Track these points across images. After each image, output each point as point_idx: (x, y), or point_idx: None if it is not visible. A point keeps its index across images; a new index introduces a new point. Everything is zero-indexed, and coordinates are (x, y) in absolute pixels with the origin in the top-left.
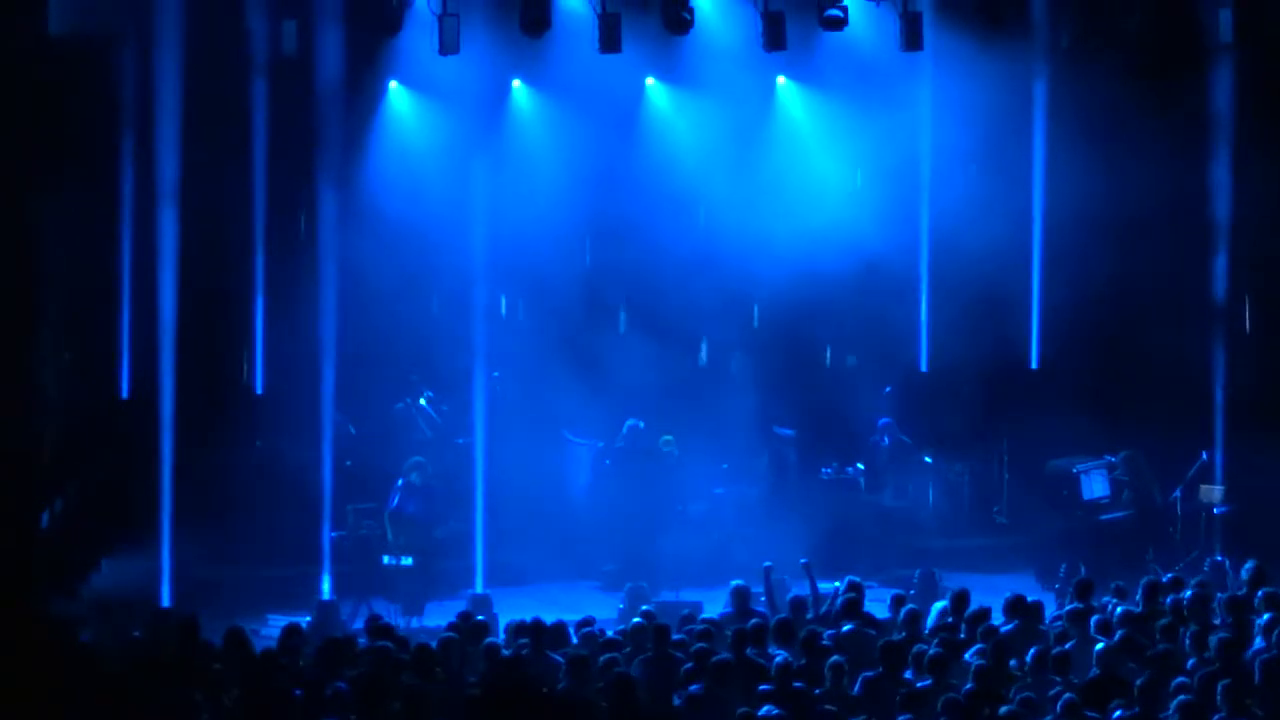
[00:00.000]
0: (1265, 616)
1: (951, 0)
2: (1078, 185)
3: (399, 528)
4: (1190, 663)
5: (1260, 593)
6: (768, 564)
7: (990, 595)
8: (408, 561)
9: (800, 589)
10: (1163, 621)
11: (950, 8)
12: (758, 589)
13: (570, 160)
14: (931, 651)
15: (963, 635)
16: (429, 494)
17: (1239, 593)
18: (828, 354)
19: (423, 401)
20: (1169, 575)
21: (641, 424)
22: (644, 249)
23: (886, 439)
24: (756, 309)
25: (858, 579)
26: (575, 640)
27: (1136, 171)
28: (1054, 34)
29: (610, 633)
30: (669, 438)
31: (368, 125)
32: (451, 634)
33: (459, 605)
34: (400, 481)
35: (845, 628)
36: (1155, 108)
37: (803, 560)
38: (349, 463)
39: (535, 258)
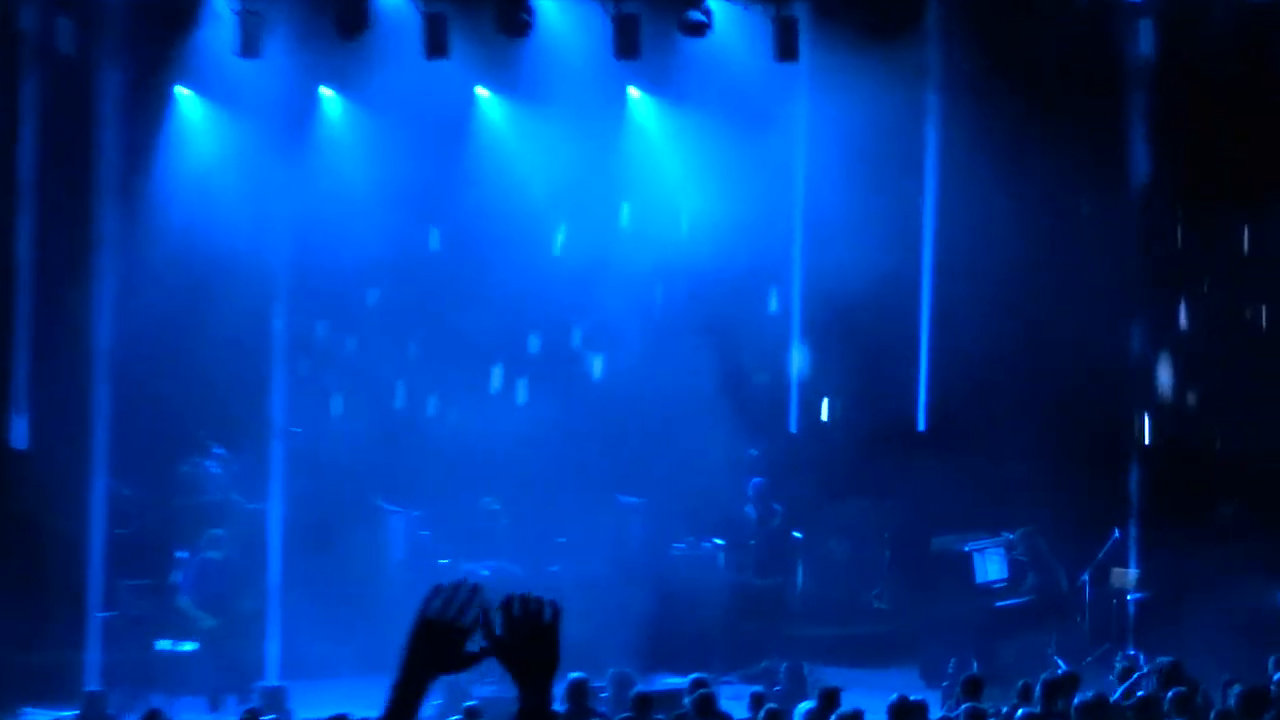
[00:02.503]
0: None
1: (833, 6)
2: (974, 224)
3: (206, 609)
4: None
5: (1170, 693)
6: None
7: (867, 694)
8: (188, 647)
9: (645, 685)
10: None
11: (831, 15)
12: (598, 683)
13: (388, 179)
14: None
15: None
16: (230, 569)
17: (1151, 693)
18: (680, 409)
19: (210, 461)
20: (1064, 669)
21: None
22: (468, 279)
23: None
24: (598, 354)
25: (707, 675)
26: None
27: (1040, 212)
28: (951, 51)
29: None
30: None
31: (154, 135)
32: None
33: (249, 700)
34: (184, 555)
35: None
36: (1062, 140)
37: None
38: (121, 531)
39: (345, 289)
